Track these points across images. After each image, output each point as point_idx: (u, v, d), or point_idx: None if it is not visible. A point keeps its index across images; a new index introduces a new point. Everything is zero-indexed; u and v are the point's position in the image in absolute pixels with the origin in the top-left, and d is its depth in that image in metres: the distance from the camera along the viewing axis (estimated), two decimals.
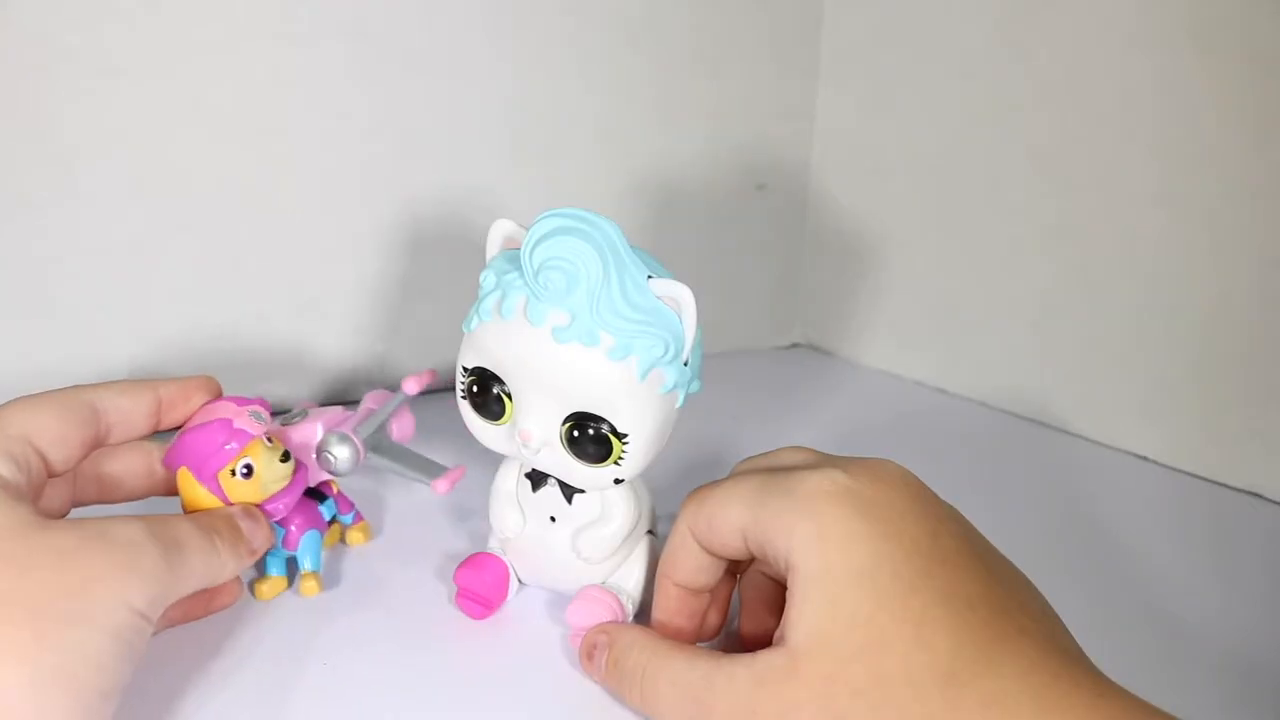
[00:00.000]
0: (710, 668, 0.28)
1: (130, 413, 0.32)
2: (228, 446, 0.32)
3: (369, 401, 0.40)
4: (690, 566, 0.32)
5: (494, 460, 0.35)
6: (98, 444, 0.32)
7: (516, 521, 0.35)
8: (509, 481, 0.35)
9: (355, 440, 0.37)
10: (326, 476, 0.38)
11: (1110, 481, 0.49)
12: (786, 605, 0.28)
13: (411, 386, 0.39)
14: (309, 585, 0.36)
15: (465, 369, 0.32)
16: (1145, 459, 0.51)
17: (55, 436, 0.30)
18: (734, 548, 0.30)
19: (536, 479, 0.34)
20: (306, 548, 0.36)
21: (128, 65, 0.46)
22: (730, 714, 0.27)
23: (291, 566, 0.37)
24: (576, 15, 0.56)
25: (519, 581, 0.36)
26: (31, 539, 0.26)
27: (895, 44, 0.61)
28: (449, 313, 0.57)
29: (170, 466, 0.33)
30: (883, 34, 0.61)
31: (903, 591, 0.26)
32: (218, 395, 0.35)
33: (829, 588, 0.27)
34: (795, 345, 0.72)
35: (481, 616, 0.35)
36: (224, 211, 0.50)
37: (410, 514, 0.43)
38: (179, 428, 0.34)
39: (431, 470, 0.38)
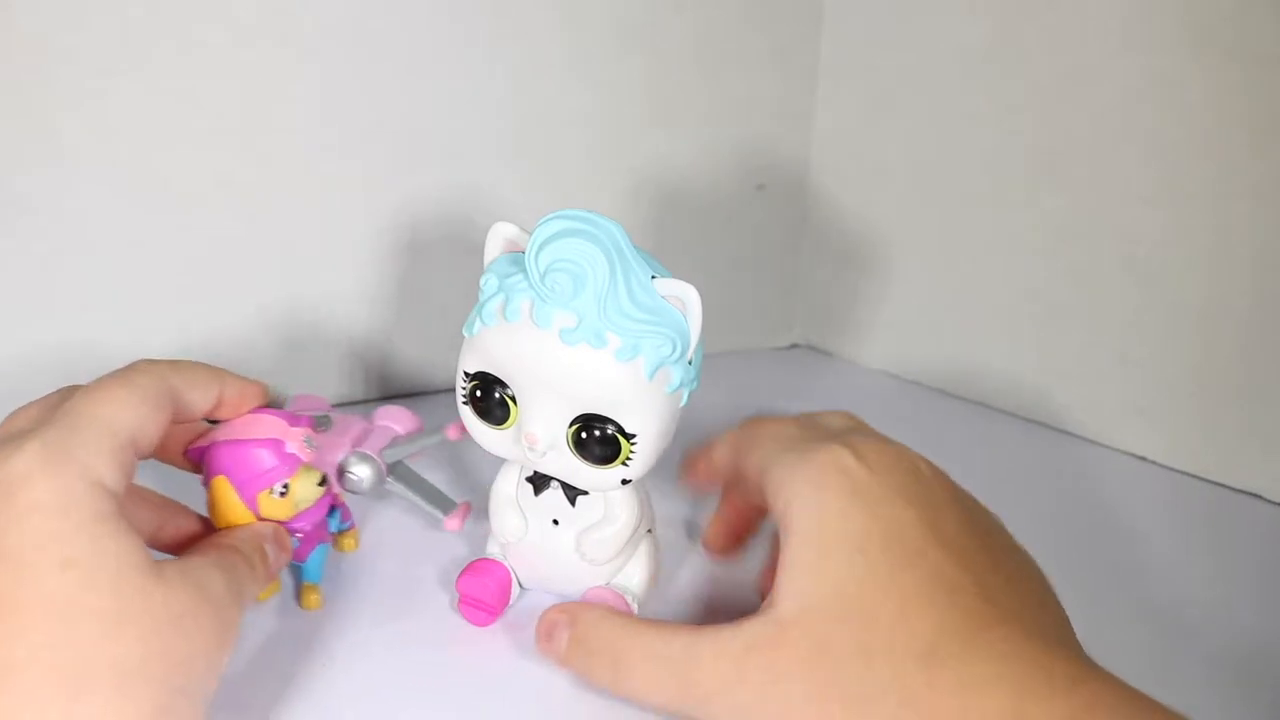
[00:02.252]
0: (691, 639, 0.28)
1: (193, 408, 0.30)
2: (278, 469, 0.32)
3: (385, 419, 0.40)
4: (720, 461, 0.35)
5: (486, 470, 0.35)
6: None
7: (518, 525, 0.34)
8: (509, 485, 0.35)
9: (380, 462, 0.37)
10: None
11: (1109, 481, 0.49)
12: (778, 571, 0.28)
13: (454, 433, 0.38)
14: (312, 599, 0.36)
15: (467, 374, 0.32)
16: (1144, 459, 0.51)
17: (151, 437, 0.27)
18: (749, 487, 0.32)
19: (539, 482, 0.34)
20: (315, 561, 0.36)
21: (127, 65, 0.46)
22: (717, 686, 0.27)
23: (291, 572, 0.37)
24: (575, 15, 0.56)
25: (520, 586, 0.36)
26: (147, 595, 0.24)
27: (895, 44, 0.61)
28: (448, 312, 0.57)
29: (203, 467, 0.33)
30: (883, 35, 0.61)
31: (891, 567, 0.27)
32: (266, 402, 0.33)
33: (819, 555, 0.27)
34: (795, 345, 0.72)
35: (485, 623, 0.35)
36: (222, 211, 0.50)
37: (406, 518, 0.43)
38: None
39: (443, 504, 0.38)
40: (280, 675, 0.32)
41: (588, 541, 0.33)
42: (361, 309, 0.55)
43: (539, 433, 0.31)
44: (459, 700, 0.31)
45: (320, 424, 0.38)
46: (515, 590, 0.36)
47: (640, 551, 0.35)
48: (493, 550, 0.36)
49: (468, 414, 0.33)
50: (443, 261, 0.56)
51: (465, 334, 0.32)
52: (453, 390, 0.33)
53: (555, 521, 0.34)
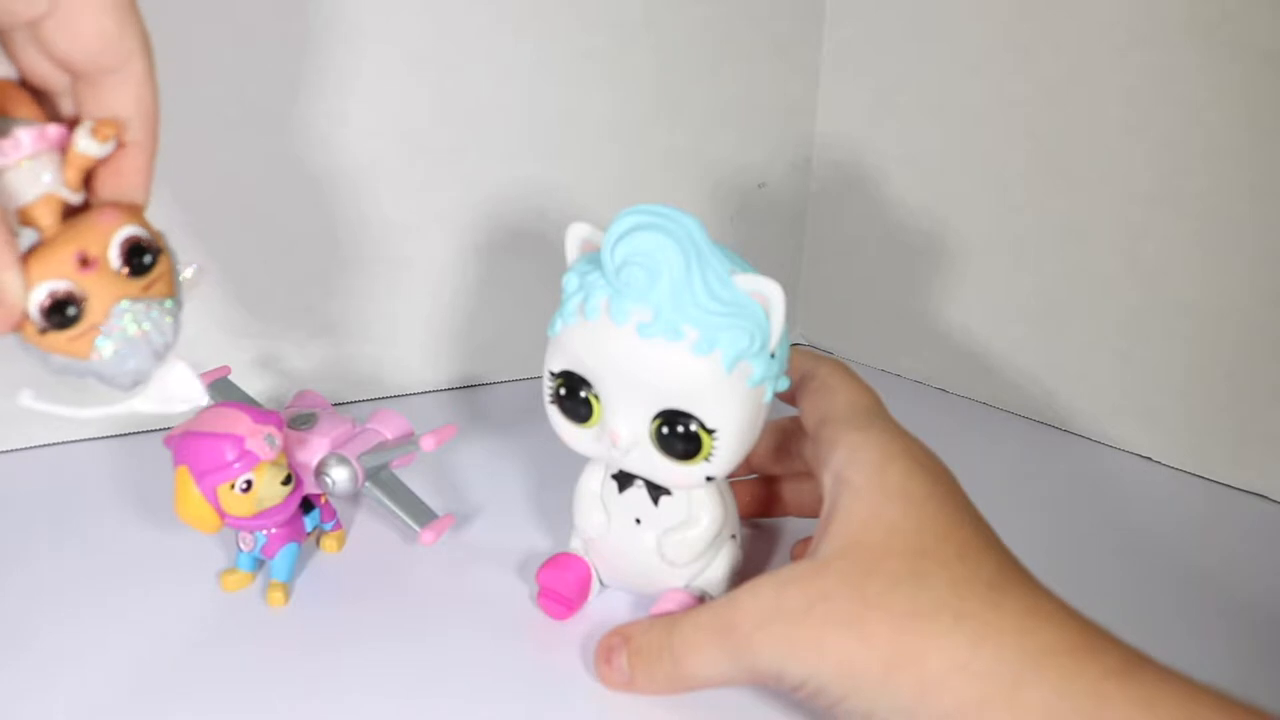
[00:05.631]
0: (731, 594, 0.29)
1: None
2: (235, 465, 0.32)
3: (376, 422, 0.40)
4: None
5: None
6: None
7: (601, 522, 0.35)
8: (594, 482, 0.35)
9: (356, 466, 0.37)
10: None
11: (1111, 480, 0.49)
12: (822, 525, 0.29)
13: (429, 444, 0.37)
14: (276, 596, 0.36)
15: (552, 373, 0.32)
16: (1146, 458, 0.51)
17: None
18: (809, 425, 0.33)
19: (623, 480, 0.34)
20: (282, 560, 0.36)
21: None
22: (757, 621, 0.28)
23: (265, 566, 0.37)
24: (576, 15, 0.56)
25: (600, 583, 0.36)
26: None
27: (896, 43, 0.60)
28: (451, 310, 0.57)
29: (172, 454, 0.33)
30: (883, 33, 0.61)
31: (949, 523, 0.28)
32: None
33: (873, 506, 0.28)
34: (795, 345, 0.72)
35: (563, 616, 0.35)
36: (233, 220, 0.50)
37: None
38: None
39: (421, 515, 0.38)
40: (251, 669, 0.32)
41: (669, 542, 0.33)
42: (371, 311, 0.55)
43: (622, 430, 0.31)
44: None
45: (301, 422, 0.38)
46: (595, 586, 0.36)
47: (721, 556, 0.35)
48: (575, 545, 0.36)
49: (553, 413, 0.33)
50: (442, 262, 0.56)
51: (549, 334, 0.32)
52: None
53: (638, 520, 0.34)
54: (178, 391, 0.27)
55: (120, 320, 0.25)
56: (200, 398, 0.28)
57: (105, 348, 0.25)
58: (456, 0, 0.52)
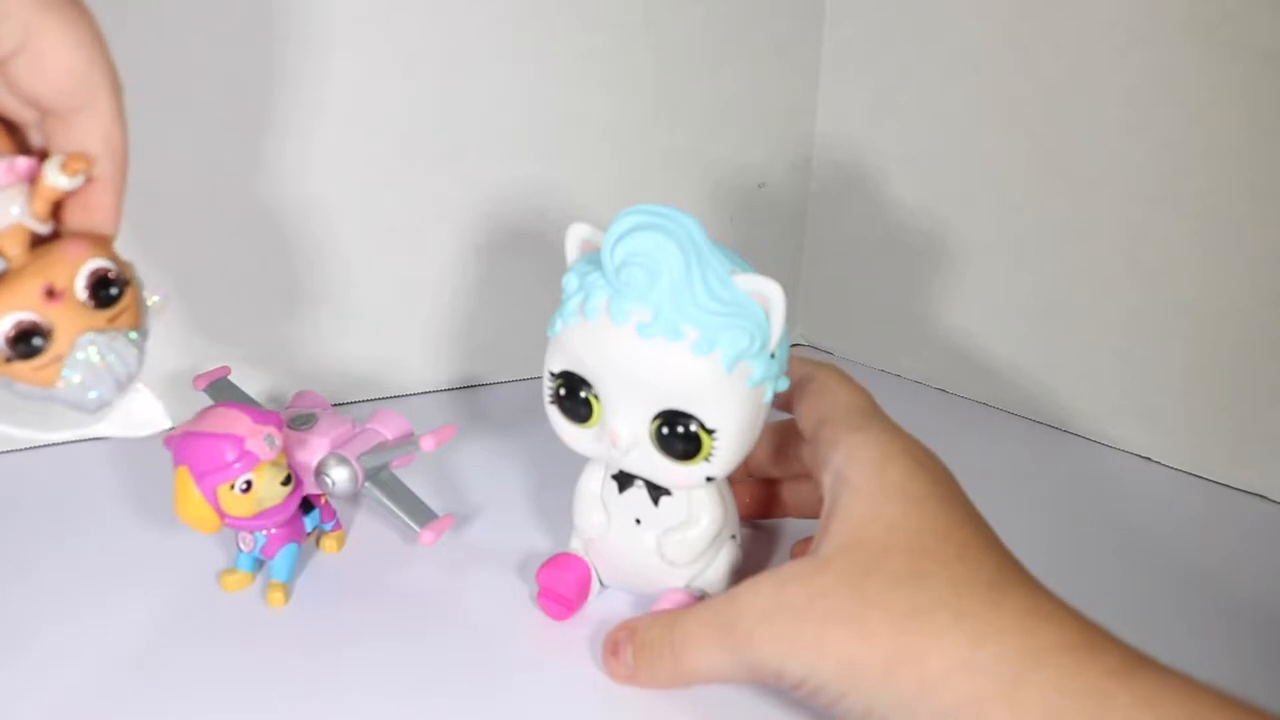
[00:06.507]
0: (732, 591, 0.29)
1: None
2: (235, 465, 0.32)
3: (376, 422, 0.40)
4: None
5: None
6: None
7: (601, 522, 0.35)
8: (594, 482, 0.35)
9: (356, 466, 0.37)
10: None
11: (1110, 481, 0.49)
12: (822, 523, 0.29)
13: (429, 444, 0.37)
14: (276, 596, 0.36)
15: (552, 373, 0.32)
16: (1146, 458, 0.51)
17: None
18: (806, 428, 0.33)
19: (623, 480, 0.34)
20: (282, 560, 0.36)
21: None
22: (757, 619, 0.28)
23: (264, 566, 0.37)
24: (576, 14, 0.56)
25: (600, 583, 0.36)
26: None
27: (896, 43, 0.60)
28: (451, 310, 0.57)
29: (172, 454, 0.33)
30: (884, 33, 0.61)
31: (949, 522, 0.28)
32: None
33: (873, 504, 0.28)
34: (795, 345, 0.72)
35: (562, 617, 0.35)
36: (233, 221, 0.50)
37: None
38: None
39: (420, 515, 0.38)
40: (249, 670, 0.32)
41: (669, 543, 0.33)
42: (372, 310, 0.55)
43: (622, 430, 0.31)
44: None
45: (301, 422, 0.38)
46: (595, 587, 0.36)
47: (721, 556, 0.35)
48: (575, 546, 0.36)
49: (553, 413, 0.33)
50: (443, 261, 0.56)
51: (549, 335, 0.32)
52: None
53: (638, 521, 0.34)
54: (141, 417, 0.28)
55: (85, 352, 0.25)
56: (163, 423, 0.28)
57: (70, 378, 0.26)
58: (456, 0, 0.52)
